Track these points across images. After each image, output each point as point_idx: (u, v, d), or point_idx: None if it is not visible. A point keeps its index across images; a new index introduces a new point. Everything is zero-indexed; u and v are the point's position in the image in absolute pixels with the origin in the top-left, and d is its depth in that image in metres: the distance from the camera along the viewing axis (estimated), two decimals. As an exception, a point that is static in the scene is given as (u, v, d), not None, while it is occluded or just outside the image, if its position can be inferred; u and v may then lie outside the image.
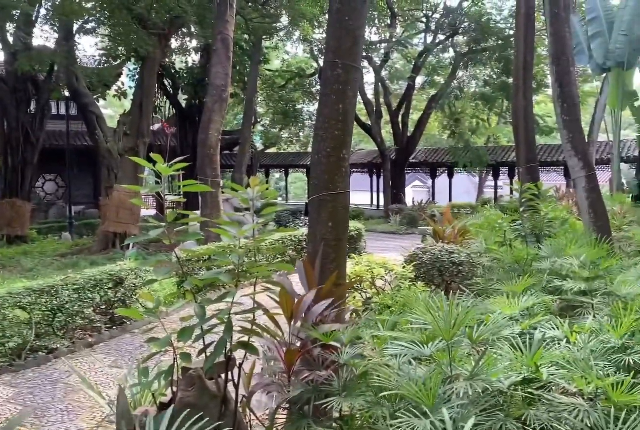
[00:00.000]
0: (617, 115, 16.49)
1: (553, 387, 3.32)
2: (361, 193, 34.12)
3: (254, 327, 3.22)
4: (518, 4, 9.31)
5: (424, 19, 27.01)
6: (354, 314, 4.72)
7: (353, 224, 14.44)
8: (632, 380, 3.30)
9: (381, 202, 28.70)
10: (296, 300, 3.39)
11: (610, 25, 14.70)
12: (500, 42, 24.88)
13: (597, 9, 14.94)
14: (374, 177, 31.35)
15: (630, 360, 3.69)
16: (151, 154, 3.27)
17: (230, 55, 14.07)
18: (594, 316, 4.48)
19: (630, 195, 18.65)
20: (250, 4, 19.25)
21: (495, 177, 28.27)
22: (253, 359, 3.55)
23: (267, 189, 3.29)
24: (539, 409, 3.05)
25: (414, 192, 41.97)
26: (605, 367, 3.62)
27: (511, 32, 22.99)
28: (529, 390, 3.15)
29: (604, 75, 16.99)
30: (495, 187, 29.08)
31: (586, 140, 11.02)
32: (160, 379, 3.31)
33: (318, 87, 27.88)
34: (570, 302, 4.95)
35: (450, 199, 28.51)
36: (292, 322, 3.34)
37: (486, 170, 30.10)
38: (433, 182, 30.74)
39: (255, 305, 3.27)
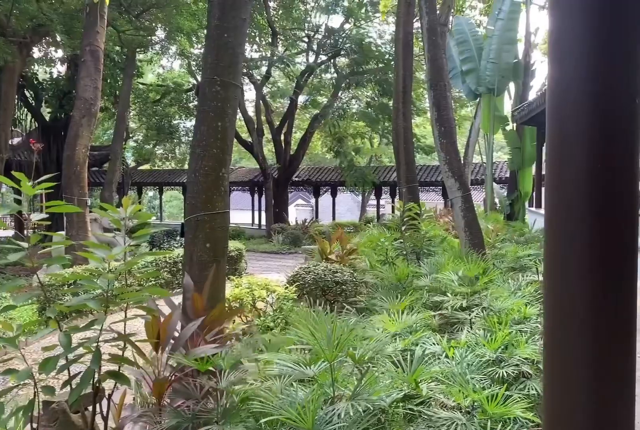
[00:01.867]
0: (489, 138, 17.88)
1: (433, 403, 3.47)
2: (242, 212, 34.01)
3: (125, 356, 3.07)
4: (397, 30, 9.90)
5: (306, 39, 27.77)
6: (234, 338, 4.65)
7: (233, 244, 14.32)
8: (506, 393, 3.55)
9: (263, 221, 28.74)
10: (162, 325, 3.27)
11: (479, 51, 16.01)
12: (381, 65, 26.15)
13: (466, 35, 16.19)
14: (256, 195, 31.38)
15: (504, 373, 3.97)
16: (13, 172, 3.05)
17: (101, 68, 13.56)
18: (470, 330, 4.77)
19: (503, 214, 20.20)
20: (123, 15, 18.69)
21: (378, 196, 29.41)
22: (124, 389, 3.37)
23: (140, 210, 3.17)
24: (420, 425, 3.17)
25: (298, 211, 42.55)
26: (482, 380, 3.87)
27: (392, 56, 24.27)
28: (410, 407, 3.27)
29: (478, 100, 18.42)
30: (378, 206, 30.24)
31: (462, 162, 11.81)
32: (18, 416, 3.05)
33: (195, 102, 27.62)
34: (450, 318, 5.24)
35: (334, 218, 29.20)
36: (159, 349, 3.22)
37: (369, 190, 31.25)
38: (317, 201, 31.35)
39: (119, 334, 3.11)
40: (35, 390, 2.96)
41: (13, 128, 21.68)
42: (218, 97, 4.16)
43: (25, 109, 25.92)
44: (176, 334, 3.38)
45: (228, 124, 4.23)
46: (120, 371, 3.08)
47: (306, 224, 25.45)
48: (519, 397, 3.61)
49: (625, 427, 1.41)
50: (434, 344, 4.20)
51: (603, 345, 1.39)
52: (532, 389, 3.89)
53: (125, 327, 3.18)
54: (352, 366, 3.54)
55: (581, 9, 1.34)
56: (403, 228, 6.97)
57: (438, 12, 14.40)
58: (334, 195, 30.07)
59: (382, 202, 31.24)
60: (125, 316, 3.13)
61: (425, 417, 3.29)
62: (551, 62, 1.40)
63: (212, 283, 3.89)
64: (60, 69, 26.32)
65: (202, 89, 4.35)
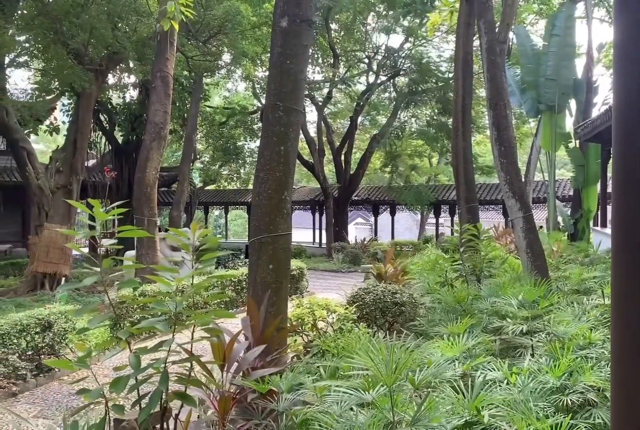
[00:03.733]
0: (551, 156, 17.42)
1: (494, 430, 3.39)
2: (303, 230, 34.29)
3: (191, 376, 3.16)
4: (457, 50, 9.86)
5: (366, 60, 28.00)
6: (294, 358, 4.68)
7: (295, 263, 14.43)
8: (571, 422, 3.42)
9: (324, 240, 28.86)
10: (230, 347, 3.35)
11: (539, 66, 15.68)
12: (440, 84, 26.02)
13: (526, 49, 15.89)
14: (317, 214, 31.60)
15: (568, 401, 3.82)
16: (89, 200, 3.23)
17: (170, 93, 14.11)
18: (532, 356, 4.63)
19: (566, 233, 19.53)
20: (191, 42, 19.44)
21: (437, 214, 29.04)
22: (190, 408, 3.46)
23: (207, 234, 3.28)
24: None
25: (357, 229, 42.53)
26: (545, 408, 3.74)
27: (451, 74, 24.12)
28: (471, 434, 3.21)
29: (539, 116, 18.01)
30: (437, 224, 29.86)
31: (523, 181, 11.55)
32: (91, 433, 3.17)
33: (260, 124, 28.21)
34: (511, 343, 5.10)
35: (392, 237, 29.00)
36: (225, 370, 3.29)
37: (428, 208, 30.92)
38: (376, 220, 31.25)
39: (191, 354, 3.21)
40: (107, 408, 3.08)
41: (88, 151, 22.75)
42: (281, 122, 4.27)
43: (100, 132, 27.17)
44: (240, 355, 3.45)
45: (290, 148, 4.33)
46: (187, 391, 3.17)
47: (365, 242, 25.39)
48: (585, 427, 3.48)
49: None
50: (494, 369, 4.11)
51: None
52: (598, 418, 3.73)
53: (192, 348, 3.27)
54: (411, 391, 3.50)
55: None
56: (462, 249, 6.86)
57: (497, 30, 14.28)
58: (392, 214, 29.91)
59: (441, 220, 30.82)
60: (192, 337, 3.22)
61: (487, 445, 3.22)
62: (616, 75, 1.38)
63: (274, 303, 3.96)
64: (132, 93, 27.54)
65: (265, 115, 4.48)
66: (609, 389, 3.95)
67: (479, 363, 4.16)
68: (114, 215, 3.19)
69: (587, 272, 7.93)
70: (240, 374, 3.28)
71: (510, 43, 20.01)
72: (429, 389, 3.51)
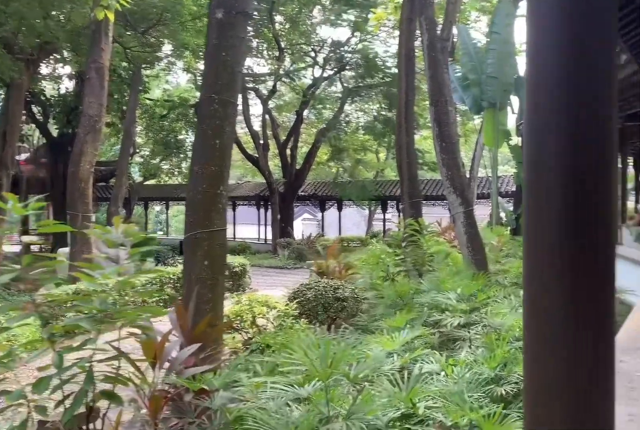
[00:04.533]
0: (494, 152, 17.92)
1: (430, 422, 3.48)
2: (248, 226, 34.07)
3: (122, 375, 3.10)
4: (400, 46, 10.00)
5: (312, 53, 28.03)
6: (232, 355, 4.67)
7: (238, 260, 14.36)
8: (504, 411, 3.54)
9: (269, 236, 28.79)
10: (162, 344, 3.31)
11: (482, 64, 16.04)
12: (387, 79, 26.34)
13: (468, 47, 16.24)
14: (262, 210, 31.47)
15: (502, 391, 3.96)
16: (4, 193, 3.12)
17: (105, 85, 13.71)
18: (470, 348, 4.77)
19: (509, 228, 20.17)
20: (129, 32, 18.95)
21: (384, 210, 29.43)
22: (121, 408, 3.41)
23: (131, 230, 3.22)
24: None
25: (304, 225, 42.59)
26: (480, 398, 3.86)
27: (396, 70, 24.44)
28: (407, 426, 3.28)
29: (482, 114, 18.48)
30: (384, 220, 30.25)
31: (466, 177, 11.85)
32: (12, 435, 3.07)
33: (202, 117, 27.80)
34: (450, 336, 5.24)
35: (340, 232, 29.21)
36: (156, 368, 3.26)
37: (375, 204, 31.26)
38: (323, 215, 31.40)
39: (117, 353, 3.15)
40: (29, 410, 2.99)
41: (20, 144, 21.91)
42: (216, 115, 4.24)
43: (33, 125, 26.22)
44: (174, 353, 3.42)
45: (226, 141, 4.31)
46: (119, 391, 3.12)
47: (312, 238, 25.47)
48: (518, 416, 3.61)
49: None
50: (432, 362, 4.21)
51: (579, 335, 1.41)
52: (531, 408, 3.87)
53: (119, 347, 3.21)
54: (349, 385, 3.55)
55: (557, 20, 1.37)
56: (404, 244, 7.00)
57: (440, 27, 14.53)
58: (340, 209, 30.12)
59: (389, 216, 31.24)
60: (119, 335, 3.17)
61: (422, 436, 3.30)
62: (529, 74, 1.43)
63: (209, 300, 3.94)
64: (68, 85, 26.68)
65: (200, 108, 4.44)
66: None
67: (417, 356, 4.25)
68: (35, 209, 3.08)
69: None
70: (174, 372, 3.25)
71: (454, 40, 20.43)
72: (366, 383, 3.56)
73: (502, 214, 19.94)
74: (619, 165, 17.03)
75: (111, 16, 7.63)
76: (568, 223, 1.38)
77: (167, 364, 3.30)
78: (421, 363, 4.18)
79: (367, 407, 3.06)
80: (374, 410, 3.07)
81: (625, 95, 10.45)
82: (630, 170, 19.63)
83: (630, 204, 19.27)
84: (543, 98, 1.40)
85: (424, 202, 27.15)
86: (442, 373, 4.04)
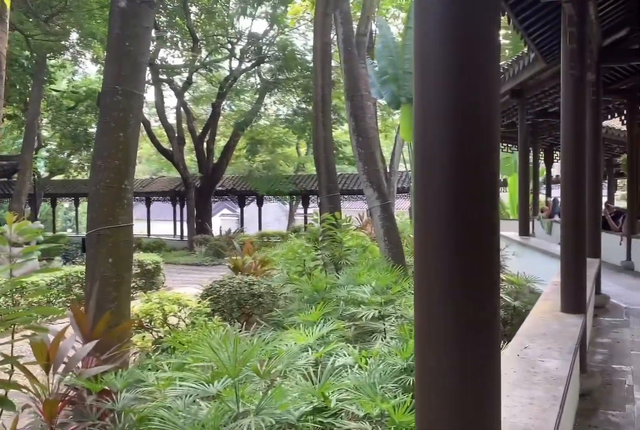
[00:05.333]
0: (412, 147, 18.35)
1: (344, 414, 3.55)
2: (163, 223, 33.32)
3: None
4: (315, 40, 10.05)
5: (229, 45, 27.68)
6: (140, 355, 4.57)
7: (151, 257, 14.06)
8: (413, 401, 3.66)
9: (185, 233, 28.27)
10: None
11: (398, 60, 16.36)
12: (306, 72, 26.43)
13: (388, 41, 16.52)
14: (178, 206, 30.83)
15: (414, 380, 4.09)
16: None
17: (3, 75, 12.95)
18: (384, 340, 4.90)
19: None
20: (31, 19, 17.98)
21: (305, 204, 29.57)
22: (17, 414, 3.26)
23: (24, 227, 3.07)
24: (329, 437, 3.24)
25: (223, 221, 42.13)
26: (394, 389, 3.98)
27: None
28: (319, 419, 3.33)
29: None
30: (305, 214, 30.40)
31: (383, 172, 12.10)
32: None
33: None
34: (365, 328, 5.36)
35: (260, 228, 29.11)
36: (50, 371, 3.14)
37: (296, 198, 31.36)
38: (242, 211, 31.16)
39: (5, 356, 3.00)
40: None
41: None
42: (120, 107, 4.12)
43: None
44: (69, 354, 3.30)
45: (131, 134, 4.19)
46: (7, 396, 2.97)
47: (230, 234, 25.23)
48: (428, 405, 3.73)
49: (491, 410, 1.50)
50: (346, 355, 4.29)
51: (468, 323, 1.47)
52: (442, 396, 4.02)
53: (12, 350, 3.07)
54: (262, 382, 3.56)
55: (441, 16, 1.42)
56: (320, 238, 7.08)
57: (357, 22, 14.72)
58: (259, 204, 29.99)
59: (311, 211, 31.43)
60: (12, 337, 3.03)
61: (335, 429, 3.36)
62: (416, 70, 1.47)
63: (115, 299, 3.83)
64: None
65: (103, 99, 4.30)
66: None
67: (331, 350, 4.32)
68: None
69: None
70: (71, 373, 3.14)
71: (374, 35, 20.75)
72: (279, 378, 3.59)
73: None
74: (531, 160, 17.90)
75: (7, 0, 7.20)
76: (456, 213, 1.44)
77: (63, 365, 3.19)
78: (335, 357, 4.25)
79: (278, 402, 3.08)
80: (286, 405, 3.09)
81: (535, 92, 10.99)
82: (542, 165, 20.67)
83: (542, 197, 20.28)
84: (430, 92, 1.45)
85: (346, 196, 27.73)
86: (356, 365, 4.13)
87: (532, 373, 3.34)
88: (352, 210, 25.60)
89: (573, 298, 4.88)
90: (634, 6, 7.52)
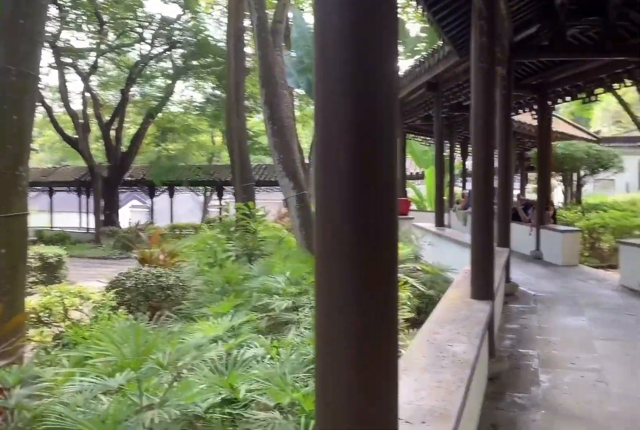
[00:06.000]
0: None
1: (254, 405, 3.58)
2: (68, 214, 31.99)
3: None
4: (229, 26, 9.94)
5: (138, 29, 26.84)
6: (37, 350, 4.41)
7: (53, 250, 13.58)
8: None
9: (92, 225, 27.27)
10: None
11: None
12: (221, 59, 26.04)
13: (303, 30, 16.58)
14: (83, 196, 29.68)
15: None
16: None
17: None
18: (297, 330, 4.97)
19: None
20: None
21: (220, 195, 29.23)
22: None
23: None
24: (237, 428, 3.26)
25: (132, 212, 40.93)
26: (305, 378, 4.04)
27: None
28: (228, 410, 3.34)
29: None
30: (220, 205, 30.06)
31: (300, 162, 12.13)
32: None
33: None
34: (279, 319, 5.40)
35: (172, 220, 28.53)
36: None
37: (211, 189, 30.96)
38: (152, 202, 30.42)
39: None
40: None
41: None
42: (14, 88, 3.93)
43: None
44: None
45: (27, 118, 4.01)
46: None
47: (139, 226, 24.55)
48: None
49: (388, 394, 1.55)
50: (257, 346, 4.32)
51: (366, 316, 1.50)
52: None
53: None
54: (169, 375, 3.53)
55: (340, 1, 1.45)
56: (232, 229, 7.05)
57: (274, 9, 14.62)
58: (171, 195, 29.38)
59: (225, 202, 31.11)
60: None
61: (244, 420, 3.39)
62: (317, 59, 1.49)
63: (8, 292, 3.67)
64: None
65: (-6, 80, 4.08)
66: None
67: (243, 341, 4.33)
68: None
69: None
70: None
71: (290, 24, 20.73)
72: (185, 371, 3.57)
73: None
74: (447, 153, 18.50)
75: None
76: (354, 203, 1.48)
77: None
78: (247, 348, 4.26)
79: (184, 394, 3.07)
80: (192, 397, 3.08)
81: (450, 85, 11.37)
82: (458, 158, 21.40)
83: (458, 189, 21.02)
84: (330, 80, 1.48)
85: (264, 187, 27.61)
86: (268, 356, 4.17)
87: (440, 357, 3.48)
88: (272, 202, 25.58)
89: (482, 285, 5.13)
90: (543, 4, 7.94)
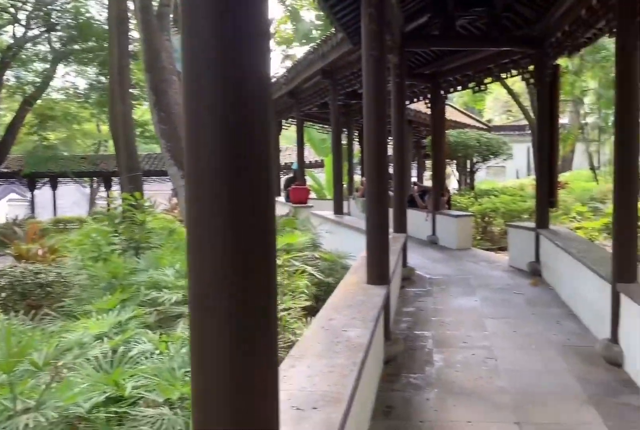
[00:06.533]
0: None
1: (141, 402, 3.50)
2: None
3: None
4: (111, 7, 9.54)
5: (11, 10, 25.19)
6: None
7: None
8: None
9: (-40, 220, 25.46)
10: None
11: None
12: (105, 43, 24.95)
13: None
14: (-46, 191, 27.75)
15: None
16: None
17: None
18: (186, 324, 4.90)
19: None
20: None
21: (108, 187, 28.24)
22: None
23: None
24: (124, 427, 3.18)
25: (11, 207, 38.65)
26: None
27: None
28: (114, 409, 3.26)
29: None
30: (108, 197, 28.97)
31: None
32: None
33: None
34: (168, 313, 5.30)
35: (55, 213, 27.24)
36: None
37: (98, 180, 29.83)
38: (33, 195, 28.89)
39: None
40: None
41: None
42: None
43: None
44: None
45: None
46: None
47: (17, 221, 23.19)
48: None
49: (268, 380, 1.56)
50: (146, 341, 4.22)
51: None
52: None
53: None
54: (48, 376, 3.38)
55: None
56: (117, 221, 6.83)
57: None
58: (54, 187, 28.02)
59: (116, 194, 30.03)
60: None
61: (132, 418, 3.31)
62: (184, 48, 1.46)
63: None
64: None
65: None
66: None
67: (130, 337, 4.22)
68: None
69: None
70: None
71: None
72: (65, 370, 3.44)
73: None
74: (347, 141, 18.80)
75: None
76: (226, 197, 1.45)
77: None
78: (135, 344, 4.16)
79: (64, 395, 2.95)
80: (73, 397, 2.97)
81: (345, 73, 11.53)
82: (358, 146, 21.76)
83: (357, 177, 21.43)
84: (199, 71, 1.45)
85: (155, 177, 26.86)
86: (157, 351, 4.09)
87: (335, 343, 3.56)
88: (165, 192, 24.97)
89: (377, 271, 5.28)
90: (432, -6, 8.22)
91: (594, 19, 6.41)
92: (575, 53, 8.19)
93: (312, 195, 21.21)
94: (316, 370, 3.05)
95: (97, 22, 25.30)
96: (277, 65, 29.38)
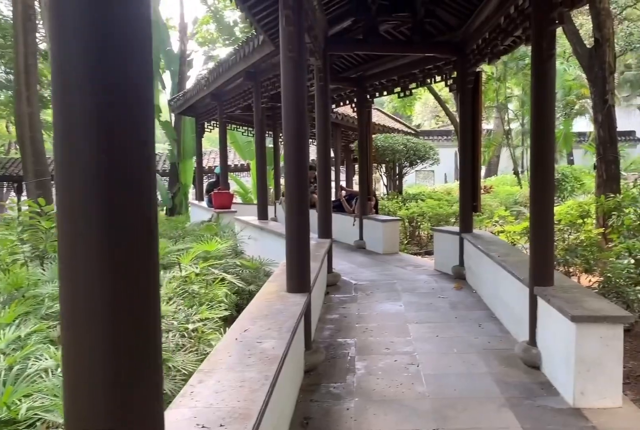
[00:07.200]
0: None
1: (39, 423, 3.33)
2: None
3: None
4: (15, 4, 9.11)
5: None
6: None
7: None
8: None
9: None
10: None
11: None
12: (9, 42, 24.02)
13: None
14: None
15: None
16: None
17: None
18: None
19: (165, 208, 20.61)
20: None
21: (19, 192, 27.18)
22: None
23: None
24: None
25: None
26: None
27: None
28: (4, 434, 3.08)
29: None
30: (19, 203, 27.83)
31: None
32: None
33: None
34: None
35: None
36: None
37: (7, 185, 28.65)
38: None
39: None
40: None
41: None
42: None
43: None
44: None
45: None
46: None
47: None
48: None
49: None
50: (48, 358, 4.02)
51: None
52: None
53: None
54: None
55: None
56: (19, 229, 6.52)
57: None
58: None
59: (23, 199, 28.86)
60: None
61: (27, 442, 3.14)
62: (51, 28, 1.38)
63: None
64: None
65: None
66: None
67: (30, 353, 4.01)
68: None
69: (173, 245, 8.44)
70: None
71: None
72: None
73: (158, 193, 20.24)
74: (272, 145, 18.74)
75: None
76: (102, 204, 1.38)
77: None
78: (35, 360, 3.96)
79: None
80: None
81: (268, 75, 11.47)
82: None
83: (284, 181, 21.41)
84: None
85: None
86: (59, 368, 3.90)
87: (247, 355, 3.49)
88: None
89: (297, 278, 5.24)
90: (354, -3, 8.28)
91: (512, 27, 6.60)
92: (496, 60, 8.42)
93: (238, 199, 21.04)
94: (225, 385, 2.98)
95: (5, 17, 24.31)
96: (200, 67, 28.97)
